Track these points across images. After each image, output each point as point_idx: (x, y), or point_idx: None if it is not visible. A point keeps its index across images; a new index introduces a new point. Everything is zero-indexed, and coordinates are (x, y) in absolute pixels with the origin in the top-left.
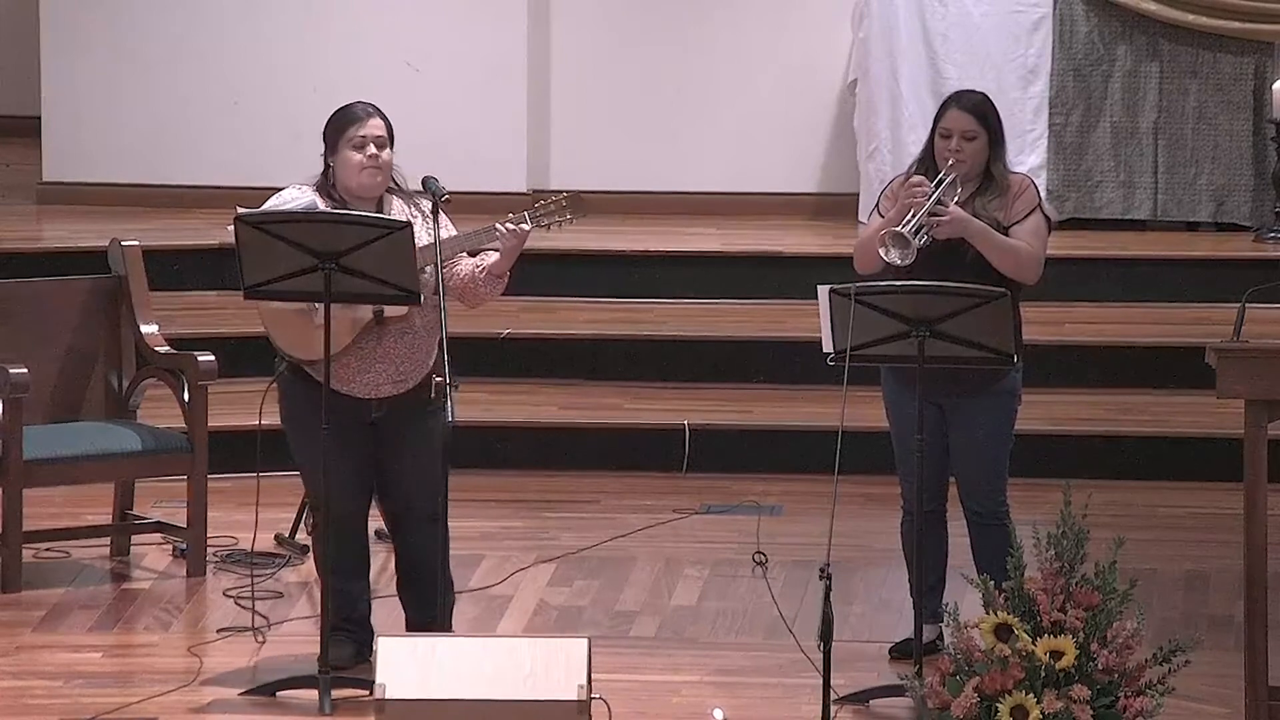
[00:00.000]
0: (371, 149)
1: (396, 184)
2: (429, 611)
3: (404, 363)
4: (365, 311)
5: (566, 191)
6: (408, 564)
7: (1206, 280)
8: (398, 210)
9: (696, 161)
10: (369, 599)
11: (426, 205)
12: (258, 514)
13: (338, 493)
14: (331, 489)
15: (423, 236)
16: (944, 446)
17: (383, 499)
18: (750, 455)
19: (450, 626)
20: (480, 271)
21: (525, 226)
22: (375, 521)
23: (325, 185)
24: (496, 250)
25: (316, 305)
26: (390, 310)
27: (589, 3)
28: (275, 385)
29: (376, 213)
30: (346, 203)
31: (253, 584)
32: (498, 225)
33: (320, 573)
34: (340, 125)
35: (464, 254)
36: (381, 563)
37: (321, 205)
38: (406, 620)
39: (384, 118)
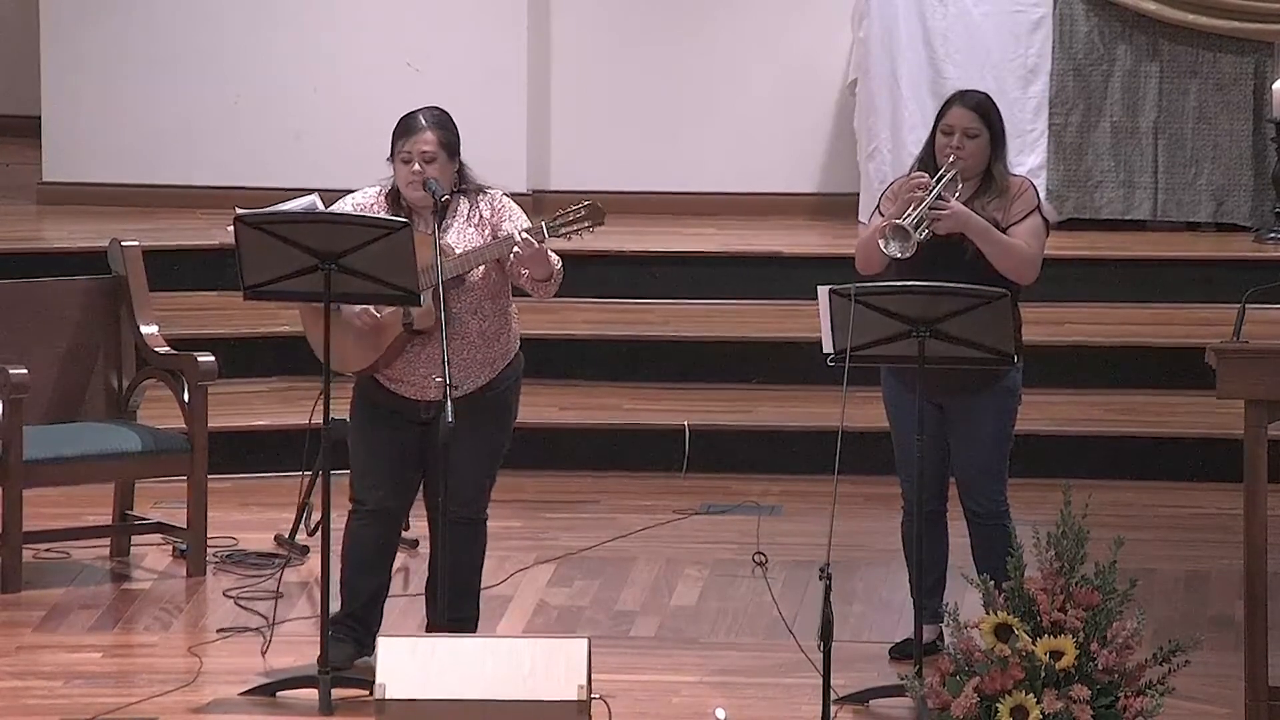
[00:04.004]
0: (416, 165)
1: (466, 187)
2: (455, 614)
3: (453, 368)
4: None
5: (586, 202)
6: (441, 564)
7: (1206, 280)
8: (462, 213)
9: (696, 161)
10: (383, 598)
11: (486, 208)
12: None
13: (379, 487)
14: (375, 483)
15: (474, 239)
16: (944, 446)
17: (427, 497)
18: (750, 455)
19: (475, 631)
20: (524, 280)
21: (540, 238)
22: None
23: (394, 190)
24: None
25: (352, 309)
26: (419, 322)
27: (589, 3)
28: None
29: (441, 218)
30: (411, 208)
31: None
32: (515, 235)
33: (324, 571)
34: (395, 135)
35: None
36: (398, 564)
37: (353, 207)
38: (428, 622)
39: (442, 129)
